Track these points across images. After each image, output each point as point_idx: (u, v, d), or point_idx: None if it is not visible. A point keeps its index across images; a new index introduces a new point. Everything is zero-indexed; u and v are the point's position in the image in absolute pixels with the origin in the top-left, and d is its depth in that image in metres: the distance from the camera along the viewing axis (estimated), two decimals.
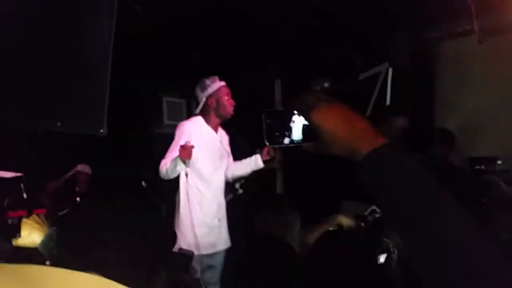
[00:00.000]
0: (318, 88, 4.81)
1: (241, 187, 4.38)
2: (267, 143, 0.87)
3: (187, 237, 3.17)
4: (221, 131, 3.42)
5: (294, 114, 0.83)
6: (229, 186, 4.27)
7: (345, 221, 2.32)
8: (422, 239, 0.62)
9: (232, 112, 3.28)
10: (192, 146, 2.96)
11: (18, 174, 3.03)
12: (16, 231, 2.91)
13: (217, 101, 3.24)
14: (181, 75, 5.14)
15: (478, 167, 2.89)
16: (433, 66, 4.12)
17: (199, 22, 4.15)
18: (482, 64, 3.66)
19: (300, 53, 4.71)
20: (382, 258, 1.80)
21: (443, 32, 3.93)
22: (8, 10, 1.74)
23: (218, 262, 3.29)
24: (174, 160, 3.00)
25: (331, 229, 2.30)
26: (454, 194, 0.66)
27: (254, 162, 3.38)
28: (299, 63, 4.91)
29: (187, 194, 3.20)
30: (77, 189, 4.48)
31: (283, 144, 0.84)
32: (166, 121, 5.63)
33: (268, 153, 3.32)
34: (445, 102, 4.05)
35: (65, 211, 3.84)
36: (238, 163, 3.47)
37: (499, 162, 2.92)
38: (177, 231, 3.17)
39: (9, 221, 2.90)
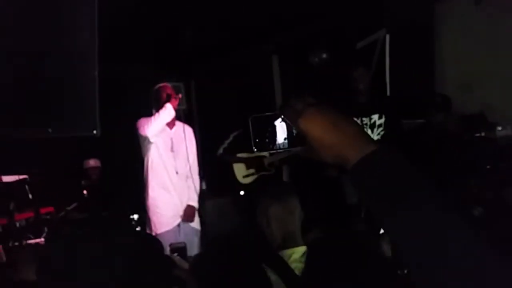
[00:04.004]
0: (316, 59, 4.72)
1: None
2: (255, 149, 0.86)
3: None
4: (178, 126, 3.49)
5: (282, 118, 0.82)
6: None
7: None
8: (417, 243, 0.61)
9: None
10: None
11: (22, 177, 3.04)
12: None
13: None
14: (176, 57, 5.04)
15: (478, 134, 2.84)
16: (430, 29, 4.01)
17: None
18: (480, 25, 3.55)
19: (296, 26, 4.60)
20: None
21: None
22: None
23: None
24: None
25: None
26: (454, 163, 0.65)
27: None
28: (296, 37, 4.80)
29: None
30: (83, 182, 4.51)
31: (272, 149, 0.84)
32: None
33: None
34: (445, 64, 3.95)
35: (73, 205, 3.88)
36: None
37: (499, 128, 2.86)
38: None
39: (17, 224, 2.92)
